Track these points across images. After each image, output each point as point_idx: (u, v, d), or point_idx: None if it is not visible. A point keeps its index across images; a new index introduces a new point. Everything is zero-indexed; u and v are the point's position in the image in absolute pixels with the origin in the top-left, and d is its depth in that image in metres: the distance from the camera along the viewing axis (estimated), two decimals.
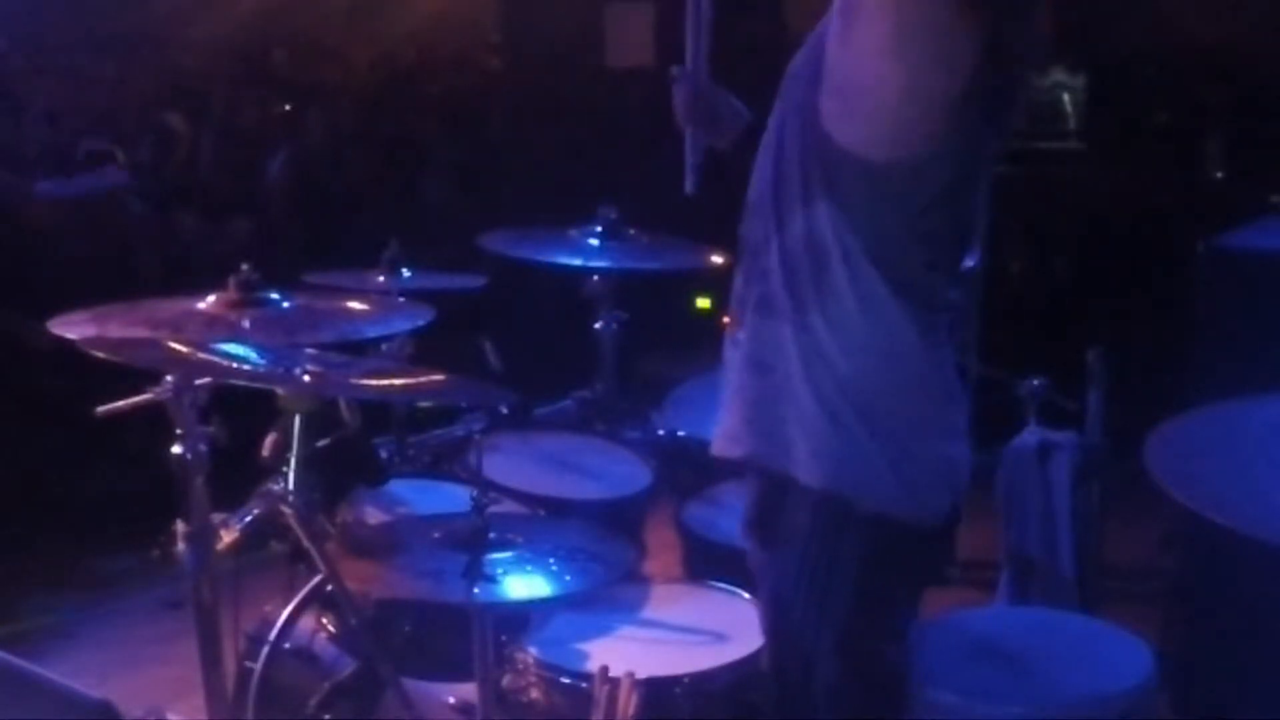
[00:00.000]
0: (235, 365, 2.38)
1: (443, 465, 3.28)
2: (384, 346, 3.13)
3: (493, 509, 2.42)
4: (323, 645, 2.72)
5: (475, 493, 2.37)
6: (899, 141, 2.02)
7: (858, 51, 2.01)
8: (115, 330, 2.47)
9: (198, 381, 2.40)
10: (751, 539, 2.31)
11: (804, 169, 2.10)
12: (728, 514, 3.12)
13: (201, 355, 2.40)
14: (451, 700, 2.64)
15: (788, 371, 2.12)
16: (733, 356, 2.25)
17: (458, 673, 2.53)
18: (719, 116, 2.54)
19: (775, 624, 2.28)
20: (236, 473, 2.59)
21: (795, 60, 2.19)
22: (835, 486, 2.10)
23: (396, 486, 3.04)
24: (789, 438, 2.13)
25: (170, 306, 2.63)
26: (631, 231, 3.66)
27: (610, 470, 3.30)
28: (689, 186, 2.59)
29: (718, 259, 3.66)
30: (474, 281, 3.72)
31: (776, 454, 2.16)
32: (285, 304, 2.65)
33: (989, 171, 2.17)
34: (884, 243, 2.05)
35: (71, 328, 2.44)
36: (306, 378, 2.42)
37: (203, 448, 2.43)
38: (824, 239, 2.07)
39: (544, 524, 2.78)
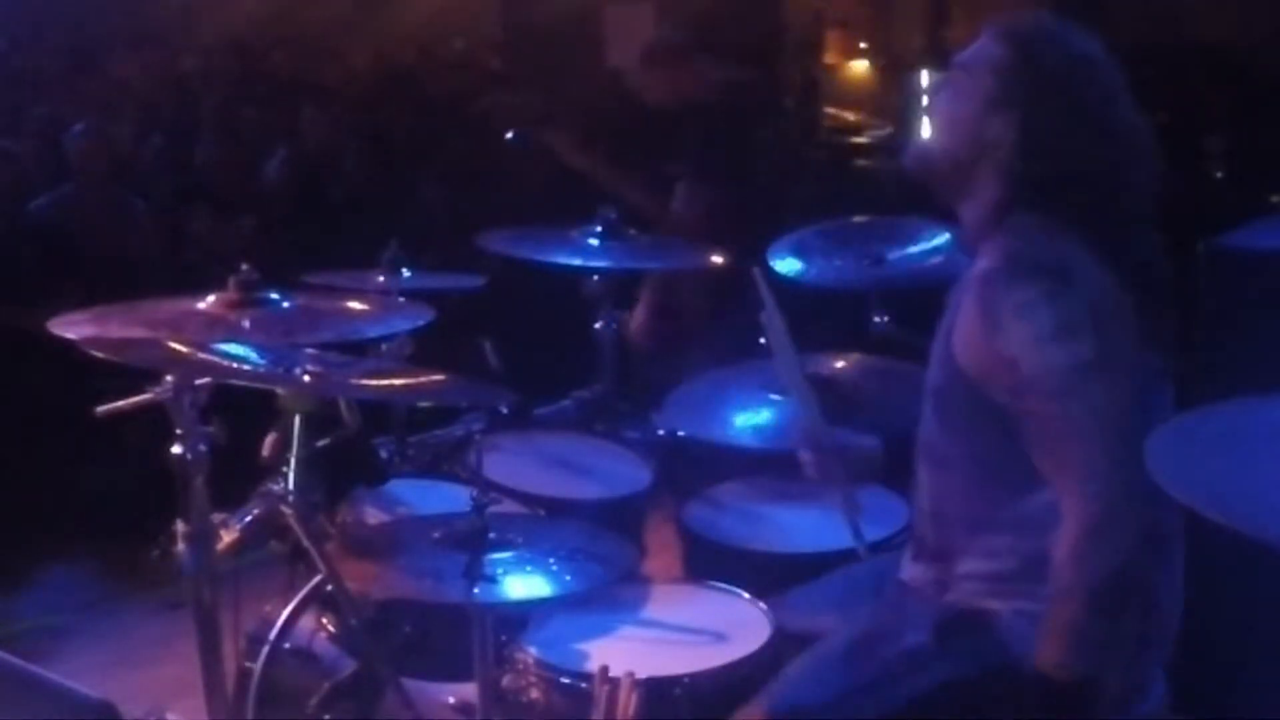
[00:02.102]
0: (235, 365, 2.38)
1: (443, 465, 3.27)
2: (384, 346, 3.13)
3: (493, 509, 2.42)
4: (323, 645, 2.72)
5: (475, 493, 2.37)
6: None
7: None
8: (115, 330, 2.47)
9: (198, 381, 2.40)
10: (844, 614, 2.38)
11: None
12: (728, 514, 3.12)
13: (201, 355, 2.40)
14: (451, 700, 2.63)
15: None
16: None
17: (458, 673, 2.53)
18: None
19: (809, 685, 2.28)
20: (236, 473, 2.58)
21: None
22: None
23: (396, 486, 3.04)
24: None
25: (170, 306, 2.63)
26: (631, 231, 3.66)
27: (610, 470, 3.30)
28: (860, 549, 2.62)
29: (718, 259, 3.66)
30: (474, 281, 3.72)
31: None
32: (285, 304, 2.65)
33: None
34: None
35: (71, 328, 2.44)
36: (306, 378, 2.42)
37: (203, 448, 2.42)
38: (990, 460, 2.20)
39: (544, 524, 2.77)
